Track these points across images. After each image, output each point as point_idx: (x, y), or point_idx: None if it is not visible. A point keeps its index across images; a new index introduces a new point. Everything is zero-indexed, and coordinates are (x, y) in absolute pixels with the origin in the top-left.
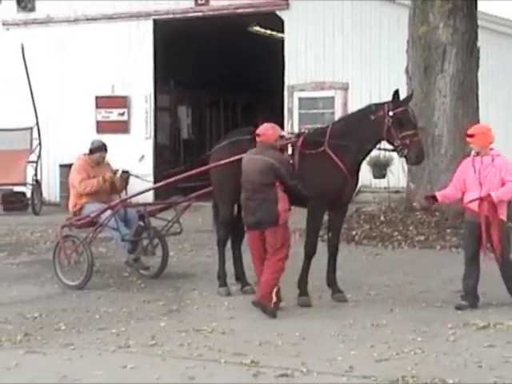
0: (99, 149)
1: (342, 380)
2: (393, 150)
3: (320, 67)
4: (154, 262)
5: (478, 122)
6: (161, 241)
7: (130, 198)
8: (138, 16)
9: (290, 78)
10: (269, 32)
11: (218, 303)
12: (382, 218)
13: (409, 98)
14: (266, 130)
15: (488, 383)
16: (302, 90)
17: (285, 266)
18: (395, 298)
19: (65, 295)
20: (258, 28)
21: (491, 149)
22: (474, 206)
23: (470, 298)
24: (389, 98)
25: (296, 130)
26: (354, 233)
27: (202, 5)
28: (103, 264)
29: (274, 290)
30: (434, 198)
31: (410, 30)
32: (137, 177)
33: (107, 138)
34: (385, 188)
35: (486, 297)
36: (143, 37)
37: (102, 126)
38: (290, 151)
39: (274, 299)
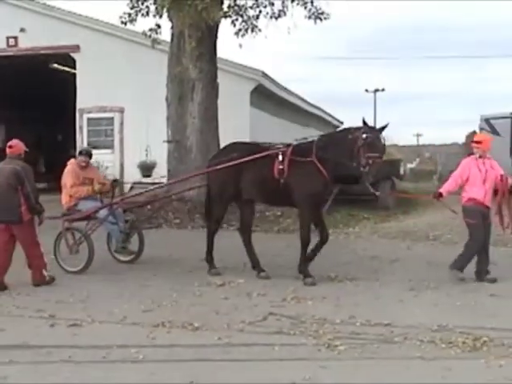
0: (80, 153)
1: (117, 326)
2: (358, 164)
3: (103, 95)
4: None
5: (217, 136)
6: (139, 233)
7: (127, 198)
8: None
9: (81, 102)
10: (65, 68)
11: (25, 275)
12: (149, 206)
13: (383, 127)
14: (17, 143)
15: (222, 324)
16: (89, 112)
17: (42, 251)
18: (158, 265)
19: None
20: (56, 65)
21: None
22: (480, 197)
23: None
24: (154, 119)
25: (85, 144)
26: (127, 218)
27: (12, 46)
28: None
29: (44, 270)
30: (440, 194)
31: (169, 69)
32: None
33: None
34: (152, 183)
35: (223, 262)
36: None
37: None
38: (280, 158)
39: (46, 273)
